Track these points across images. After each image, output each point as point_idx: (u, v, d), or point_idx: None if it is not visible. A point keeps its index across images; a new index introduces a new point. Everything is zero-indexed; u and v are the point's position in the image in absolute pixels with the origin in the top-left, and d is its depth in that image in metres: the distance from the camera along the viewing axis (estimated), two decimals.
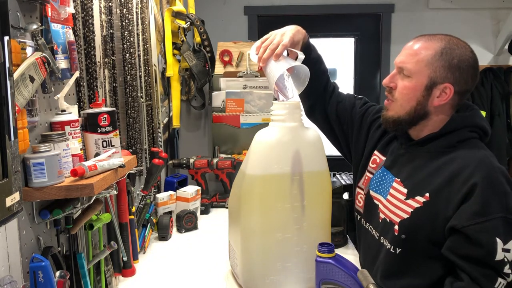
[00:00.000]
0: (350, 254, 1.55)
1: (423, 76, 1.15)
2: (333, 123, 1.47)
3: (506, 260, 1.02)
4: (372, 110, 1.44)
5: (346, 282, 1.09)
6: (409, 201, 1.16)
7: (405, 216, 1.16)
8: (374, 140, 1.37)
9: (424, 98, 1.17)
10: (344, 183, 1.69)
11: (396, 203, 1.20)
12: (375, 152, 1.35)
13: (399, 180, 1.22)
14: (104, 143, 1.19)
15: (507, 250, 1.02)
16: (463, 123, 1.18)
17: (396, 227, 1.17)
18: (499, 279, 1.02)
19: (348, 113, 1.45)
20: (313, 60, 1.41)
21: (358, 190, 1.39)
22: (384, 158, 1.31)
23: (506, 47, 3.31)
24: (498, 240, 1.02)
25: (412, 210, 1.15)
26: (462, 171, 1.10)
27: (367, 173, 1.35)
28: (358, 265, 1.34)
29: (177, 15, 2.19)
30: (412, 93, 1.17)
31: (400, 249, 1.17)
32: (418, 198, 1.15)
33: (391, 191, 1.22)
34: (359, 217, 1.38)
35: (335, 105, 1.46)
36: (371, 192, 1.31)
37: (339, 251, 1.16)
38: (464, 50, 1.16)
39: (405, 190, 1.18)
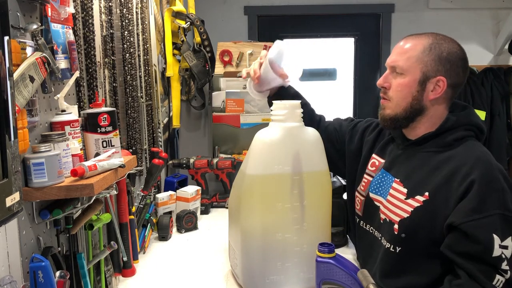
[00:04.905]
0: (350, 254, 1.55)
1: (416, 71, 1.18)
2: (325, 145, 1.43)
3: (503, 256, 1.02)
4: (361, 122, 1.49)
5: (346, 282, 1.09)
6: (409, 201, 1.17)
7: (405, 215, 1.16)
8: (370, 144, 1.39)
9: (419, 93, 1.19)
10: (344, 183, 1.69)
11: (397, 203, 1.20)
12: (373, 155, 1.36)
13: (398, 180, 1.22)
14: (104, 143, 1.19)
15: (505, 247, 1.03)
16: (459, 122, 1.19)
17: (396, 226, 1.18)
18: (497, 276, 1.02)
19: (337, 131, 1.50)
20: (292, 97, 1.46)
21: (356, 194, 1.39)
22: (383, 161, 1.31)
23: (506, 47, 3.31)
24: (495, 236, 1.02)
25: (412, 209, 1.15)
26: (459, 169, 1.12)
27: (366, 176, 1.35)
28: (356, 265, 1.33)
29: (177, 15, 2.19)
30: (407, 89, 1.19)
31: (400, 248, 1.17)
32: (418, 197, 1.15)
33: (391, 191, 1.23)
34: (357, 219, 1.39)
35: (324, 129, 1.48)
36: (371, 195, 1.31)
37: (339, 251, 1.16)
38: (452, 44, 1.19)
39: (405, 190, 1.19)
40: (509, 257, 1.03)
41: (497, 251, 1.02)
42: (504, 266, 1.02)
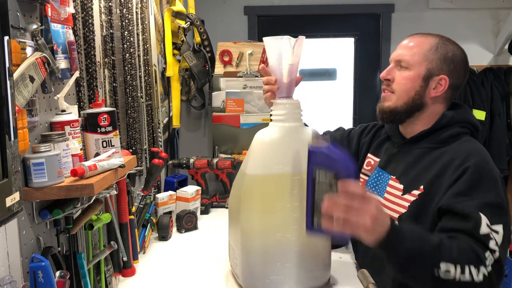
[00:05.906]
0: (350, 254, 1.55)
1: (421, 67, 1.21)
2: None
3: (491, 236, 1.02)
4: (354, 128, 1.51)
5: (341, 170, 0.98)
6: (406, 196, 1.19)
7: (403, 210, 1.18)
8: (366, 145, 1.41)
9: (421, 88, 1.21)
10: None
11: (394, 199, 1.21)
12: (368, 155, 1.37)
13: (394, 177, 1.24)
14: (104, 143, 1.19)
15: (496, 231, 1.03)
16: (454, 119, 1.21)
17: (396, 223, 1.18)
18: (488, 252, 1.02)
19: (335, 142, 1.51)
20: None
21: None
22: (378, 160, 1.32)
23: (506, 47, 3.31)
24: (482, 215, 1.03)
25: (409, 204, 1.17)
26: (454, 160, 1.14)
27: (362, 176, 1.36)
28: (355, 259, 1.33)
29: (177, 15, 2.19)
30: (411, 83, 1.21)
31: None
32: (414, 191, 1.18)
33: (388, 188, 1.24)
34: None
35: None
36: None
37: (339, 251, 1.15)
38: (456, 46, 1.24)
39: (401, 186, 1.21)
40: (499, 242, 1.02)
41: (485, 228, 1.02)
42: (493, 246, 1.02)
